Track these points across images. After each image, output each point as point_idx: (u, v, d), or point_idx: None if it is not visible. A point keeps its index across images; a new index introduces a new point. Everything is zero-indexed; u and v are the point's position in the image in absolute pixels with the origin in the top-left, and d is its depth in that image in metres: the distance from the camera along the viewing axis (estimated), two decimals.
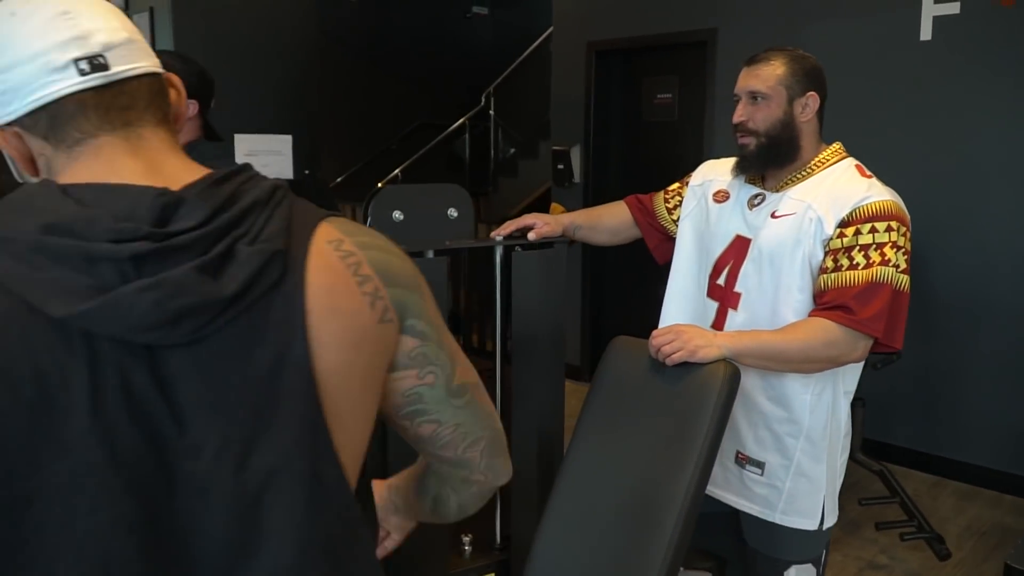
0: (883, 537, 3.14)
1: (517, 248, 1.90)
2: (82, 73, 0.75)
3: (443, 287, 1.79)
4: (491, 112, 8.49)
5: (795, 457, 1.73)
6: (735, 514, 1.82)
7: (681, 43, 4.48)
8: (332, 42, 4.95)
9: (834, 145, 1.80)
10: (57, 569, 0.68)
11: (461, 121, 8.61)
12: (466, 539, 2.00)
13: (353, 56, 8.18)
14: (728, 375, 1.53)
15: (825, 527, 1.78)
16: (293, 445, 0.74)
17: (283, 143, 3.93)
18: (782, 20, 4.07)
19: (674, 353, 1.55)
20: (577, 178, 5.00)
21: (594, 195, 4.95)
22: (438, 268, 1.78)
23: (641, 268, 3.63)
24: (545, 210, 6.28)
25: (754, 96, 1.71)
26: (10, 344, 0.67)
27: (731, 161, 1.89)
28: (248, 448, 0.73)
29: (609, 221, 2.08)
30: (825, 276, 1.64)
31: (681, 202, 1.98)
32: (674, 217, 1.99)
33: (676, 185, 2.04)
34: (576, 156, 4.97)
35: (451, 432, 0.91)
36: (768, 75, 1.69)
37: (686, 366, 1.56)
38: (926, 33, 3.61)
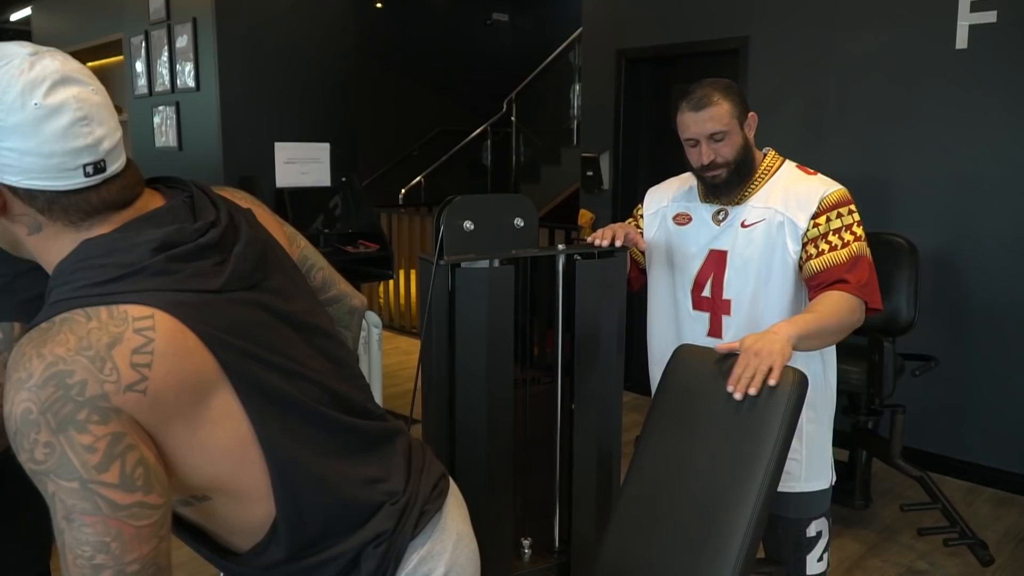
0: (921, 543, 3.15)
1: (578, 257, 1.93)
2: (87, 175, 0.93)
3: (509, 295, 1.81)
4: (513, 118, 8.54)
5: (804, 427, 1.94)
6: None
7: (712, 51, 4.48)
8: (360, 52, 5.01)
9: (769, 151, 2.01)
10: (291, 410, 1.02)
11: (483, 128, 8.65)
12: (526, 543, 2.03)
13: (377, 64, 8.24)
14: (796, 381, 1.55)
15: (832, 482, 2.05)
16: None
17: (321, 151, 3.97)
18: (815, 29, 4.07)
19: (765, 375, 1.55)
20: (606, 185, 5.02)
21: (623, 202, 4.97)
22: (505, 276, 1.80)
23: None
24: (571, 215, 6.30)
25: (714, 136, 1.89)
26: (208, 314, 0.95)
27: (672, 183, 2.13)
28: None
29: None
30: (812, 261, 1.87)
31: (642, 234, 2.14)
32: (640, 248, 2.14)
33: (629, 220, 2.21)
34: (605, 163, 4.99)
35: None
36: (721, 115, 1.88)
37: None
38: (962, 42, 3.60)
